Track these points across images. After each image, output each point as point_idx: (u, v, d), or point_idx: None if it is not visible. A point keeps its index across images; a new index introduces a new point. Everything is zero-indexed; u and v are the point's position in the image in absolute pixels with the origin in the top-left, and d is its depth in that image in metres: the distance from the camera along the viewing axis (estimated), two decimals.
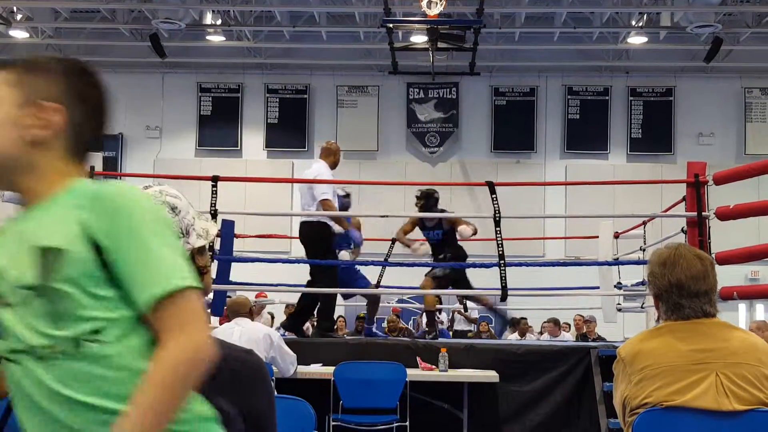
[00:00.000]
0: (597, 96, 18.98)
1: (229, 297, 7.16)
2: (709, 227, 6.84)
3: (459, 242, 8.21)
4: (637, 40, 17.77)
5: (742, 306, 16.84)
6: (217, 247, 7.15)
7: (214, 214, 6.82)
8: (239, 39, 18.35)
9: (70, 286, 1.41)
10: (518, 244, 12.07)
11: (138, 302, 1.42)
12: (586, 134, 18.80)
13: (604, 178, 17.27)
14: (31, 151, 1.55)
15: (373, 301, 8.48)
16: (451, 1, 14.95)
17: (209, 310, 7.73)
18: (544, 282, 11.57)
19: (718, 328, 2.68)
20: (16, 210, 1.62)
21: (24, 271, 1.43)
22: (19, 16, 17.38)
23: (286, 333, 7.94)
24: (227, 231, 8.01)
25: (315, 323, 8.04)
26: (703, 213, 6.81)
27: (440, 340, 8.09)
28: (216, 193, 6.97)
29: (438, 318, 13.24)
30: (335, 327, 8.22)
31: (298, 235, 7.80)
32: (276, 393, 3.57)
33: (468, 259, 8.48)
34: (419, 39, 16.47)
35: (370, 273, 9.00)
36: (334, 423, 6.19)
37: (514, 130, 18.83)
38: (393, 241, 9.50)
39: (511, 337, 12.63)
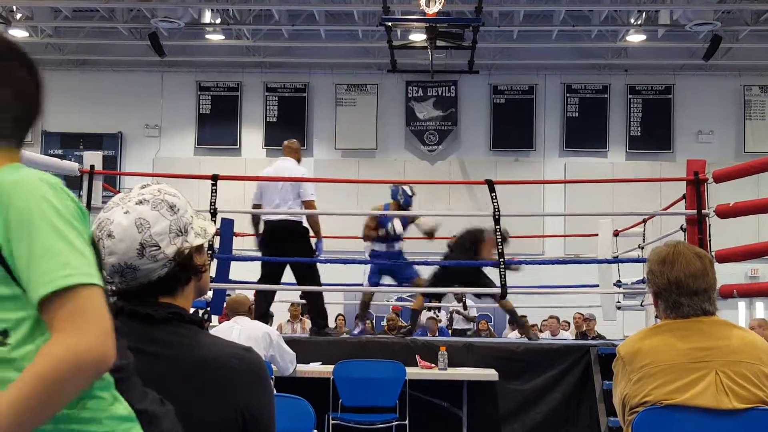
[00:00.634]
0: (596, 94, 18.98)
1: (229, 295, 7.15)
2: (709, 225, 6.84)
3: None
4: (635, 38, 17.77)
5: (742, 304, 16.85)
6: (216, 245, 7.15)
7: (213, 213, 6.81)
8: (238, 38, 18.34)
9: None
10: (518, 242, 12.06)
11: (32, 301, 1.29)
12: (585, 132, 18.80)
13: (604, 176, 17.28)
14: None
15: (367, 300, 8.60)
16: (449, 0, 14.94)
17: (209, 309, 7.73)
18: (544, 280, 11.56)
19: (718, 326, 2.67)
20: None
21: None
22: (18, 15, 17.38)
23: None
24: (226, 230, 8.01)
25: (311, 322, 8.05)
26: (703, 211, 6.81)
27: (439, 338, 8.09)
28: (215, 192, 6.96)
29: (437, 316, 13.26)
30: (334, 325, 8.26)
31: (261, 233, 7.63)
32: (275, 391, 3.57)
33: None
34: (418, 37, 16.47)
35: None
36: (333, 421, 6.19)
37: (513, 128, 18.83)
38: None
39: (511, 335, 12.63)
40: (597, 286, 9.28)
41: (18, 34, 17.92)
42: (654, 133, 18.73)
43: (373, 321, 14.48)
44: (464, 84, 19.00)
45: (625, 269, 9.87)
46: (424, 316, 12.54)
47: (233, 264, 7.80)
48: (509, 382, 6.64)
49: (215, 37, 18.17)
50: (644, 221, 9.38)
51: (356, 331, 8.97)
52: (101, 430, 1.35)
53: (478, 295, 9.47)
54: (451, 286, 8.48)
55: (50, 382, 1.23)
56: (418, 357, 6.64)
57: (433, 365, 6.52)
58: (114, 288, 1.73)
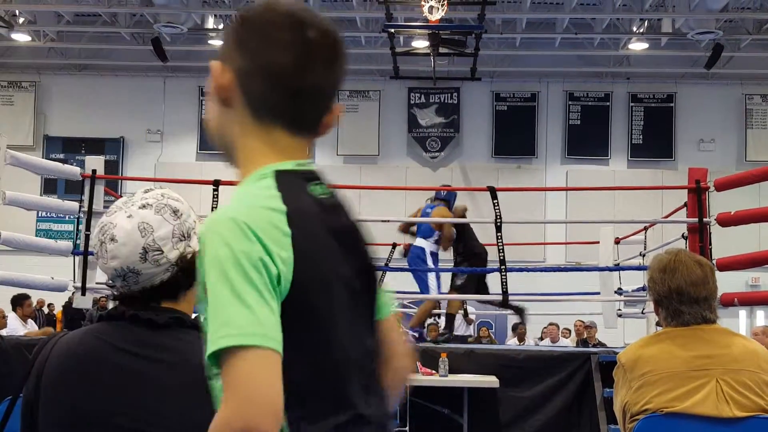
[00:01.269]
0: (598, 102, 19.00)
1: None
2: (710, 233, 6.84)
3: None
4: (638, 46, 17.79)
5: (743, 312, 16.84)
6: None
7: None
8: None
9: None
10: (519, 250, 12.07)
11: None
12: (586, 140, 18.80)
13: (605, 183, 17.28)
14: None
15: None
16: (452, 7, 14.96)
17: None
18: (545, 287, 11.55)
19: (719, 334, 2.67)
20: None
21: None
22: (21, 20, 17.42)
23: None
24: None
25: None
26: (704, 219, 6.81)
27: (441, 345, 8.08)
28: (217, 197, 6.97)
29: (437, 323, 13.20)
30: None
31: None
32: None
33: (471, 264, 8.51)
34: (421, 44, 16.50)
35: None
36: None
37: (515, 136, 18.84)
38: (393, 245, 9.50)
39: (510, 342, 12.63)
40: (598, 293, 9.26)
41: (20, 38, 17.98)
42: (656, 141, 18.74)
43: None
44: (466, 91, 19.02)
45: (626, 277, 9.87)
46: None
47: None
48: (510, 389, 6.63)
49: (218, 43, 18.18)
50: (645, 229, 9.38)
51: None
52: None
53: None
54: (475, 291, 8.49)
55: None
56: (418, 363, 6.64)
57: (434, 372, 6.51)
58: (116, 292, 1.73)
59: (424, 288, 8.31)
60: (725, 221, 6.70)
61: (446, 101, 19.08)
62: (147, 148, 19.28)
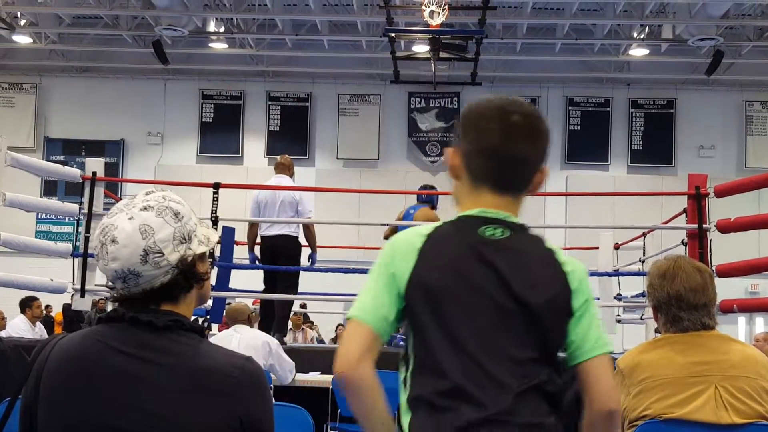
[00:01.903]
0: (598, 107, 19.01)
1: (229, 304, 7.16)
2: (710, 240, 6.84)
3: None
4: (638, 52, 17.81)
5: (742, 319, 16.83)
6: (217, 253, 7.16)
7: (214, 221, 6.82)
8: (242, 46, 18.39)
9: None
10: None
11: None
12: (586, 145, 18.82)
13: (605, 189, 17.28)
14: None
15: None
16: (453, 12, 14.98)
17: (209, 317, 7.73)
18: None
19: (718, 340, 2.67)
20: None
21: None
22: (23, 22, 17.43)
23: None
24: (227, 238, 8.01)
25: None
26: (704, 225, 6.81)
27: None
28: (217, 200, 6.98)
29: None
30: (334, 335, 8.33)
31: (260, 245, 7.82)
32: (274, 401, 3.56)
33: None
34: (421, 48, 16.51)
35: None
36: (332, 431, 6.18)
37: None
38: None
39: None
40: (597, 299, 9.26)
41: (22, 40, 17.99)
42: (655, 147, 18.75)
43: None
44: (467, 95, 19.02)
45: (626, 282, 9.86)
46: None
47: (233, 272, 7.80)
48: None
49: (219, 46, 18.21)
50: (644, 235, 9.37)
51: None
52: None
53: None
54: None
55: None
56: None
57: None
58: (116, 294, 1.73)
59: None
60: (725, 228, 6.70)
61: (446, 106, 19.10)
62: (147, 151, 19.29)
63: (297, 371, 6.05)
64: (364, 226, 14.64)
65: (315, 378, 6.41)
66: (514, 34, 17.56)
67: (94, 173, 6.95)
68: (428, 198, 8.58)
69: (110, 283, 1.72)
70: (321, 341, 13.75)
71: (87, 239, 6.71)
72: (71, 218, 9.24)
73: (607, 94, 19.02)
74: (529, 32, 17.51)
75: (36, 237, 15.18)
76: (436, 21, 14.02)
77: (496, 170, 1.83)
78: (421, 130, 19.10)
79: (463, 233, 1.80)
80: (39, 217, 17.90)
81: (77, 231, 7.12)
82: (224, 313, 6.77)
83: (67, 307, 13.04)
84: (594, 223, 14.72)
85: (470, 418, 1.69)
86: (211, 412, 1.64)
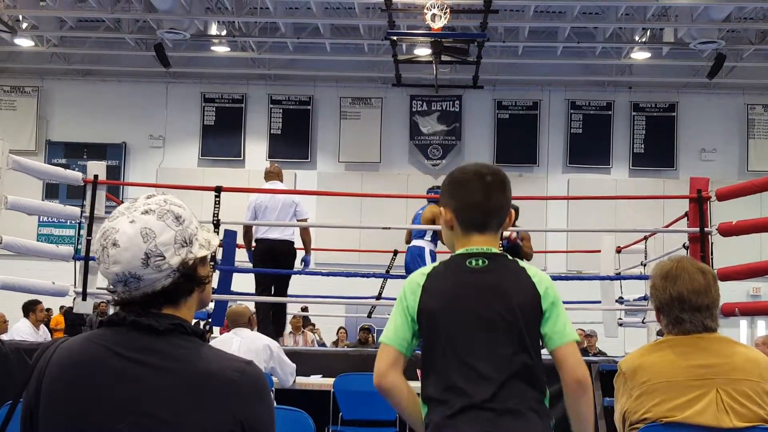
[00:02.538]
0: (600, 110, 19.01)
1: (230, 307, 7.16)
2: (711, 243, 6.84)
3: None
4: (640, 55, 17.81)
5: (743, 322, 16.82)
6: (219, 257, 7.16)
7: (216, 224, 6.82)
8: (243, 50, 18.41)
9: None
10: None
11: None
12: (588, 148, 18.81)
13: (607, 192, 17.27)
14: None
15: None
16: (455, 15, 14.99)
17: (210, 320, 7.73)
18: None
19: (720, 343, 2.66)
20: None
21: None
22: (24, 25, 17.45)
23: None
24: (229, 241, 8.01)
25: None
26: (706, 229, 6.81)
27: None
28: (219, 203, 6.97)
29: None
30: (335, 338, 8.47)
31: (253, 249, 8.01)
32: (275, 404, 3.56)
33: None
34: (423, 52, 16.52)
35: (372, 285, 8.99)
36: None
37: (516, 144, 18.86)
38: (395, 252, 9.50)
39: None
40: (599, 302, 9.26)
41: (24, 43, 18.01)
42: (657, 150, 18.74)
43: (375, 334, 14.45)
44: (468, 99, 19.04)
45: (628, 286, 9.86)
46: None
47: (235, 276, 7.80)
48: None
49: (221, 49, 18.23)
50: (646, 238, 9.37)
51: None
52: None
53: None
54: None
55: None
56: (419, 371, 6.62)
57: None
58: (117, 297, 1.73)
59: None
60: (726, 231, 6.70)
61: (448, 109, 19.10)
62: (149, 154, 19.30)
63: (298, 374, 6.05)
64: (365, 229, 14.65)
65: (316, 381, 6.41)
66: (516, 38, 17.56)
67: (96, 176, 6.95)
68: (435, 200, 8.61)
69: (111, 287, 1.72)
70: (322, 344, 13.75)
71: (89, 242, 6.72)
72: (73, 221, 9.25)
73: (608, 98, 19.02)
74: (530, 36, 17.51)
75: (38, 240, 15.19)
76: (438, 24, 14.04)
77: (481, 218, 2.44)
78: (423, 133, 19.10)
79: (453, 268, 2.43)
80: (41, 220, 17.92)
81: (79, 234, 7.12)
82: (225, 316, 6.76)
83: (68, 311, 13.04)
84: (596, 227, 14.74)
85: (459, 407, 2.28)
86: (212, 416, 1.64)
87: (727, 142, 18.79)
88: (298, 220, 7.91)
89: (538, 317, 2.37)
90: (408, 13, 15.86)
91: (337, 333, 14.45)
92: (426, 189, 13.78)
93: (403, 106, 19.13)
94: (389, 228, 8.23)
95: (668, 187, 17.49)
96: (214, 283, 7.80)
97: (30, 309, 10.09)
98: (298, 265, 8.31)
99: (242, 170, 18.86)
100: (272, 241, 7.84)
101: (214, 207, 6.95)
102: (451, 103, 19.08)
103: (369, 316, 11.38)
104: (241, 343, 5.69)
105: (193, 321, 1.81)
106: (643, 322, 9.51)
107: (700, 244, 6.77)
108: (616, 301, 9.35)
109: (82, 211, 6.95)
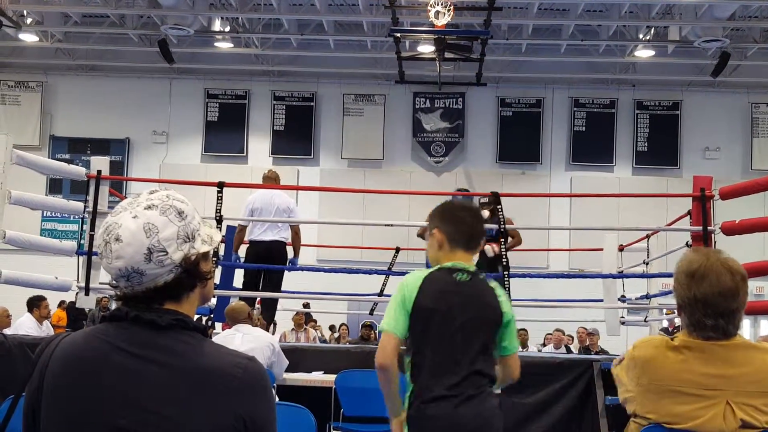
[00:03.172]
0: (603, 108, 18.99)
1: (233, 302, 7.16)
2: (715, 242, 6.83)
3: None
4: (644, 53, 17.79)
5: (746, 322, 16.81)
6: (221, 252, 7.17)
7: (219, 220, 6.83)
8: (247, 46, 18.41)
9: None
10: (522, 256, 12.06)
11: None
12: (591, 146, 18.80)
13: (610, 190, 17.26)
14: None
15: None
16: (458, 12, 14.97)
17: (212, 316, 7.74)
18: (548, 294, 11.56)
19: (739, 350, 2.53)
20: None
21: None
22: (29, 20, 17.46)
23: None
24: (232, 237, 8.03)
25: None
26: (709, 227, 6.80)
27: None
28: (221, 199, 6.98)
29: None
30: (337, 334, 8.63)
31: (247, 249, 8.17)
32: (277, 400, 3.56)
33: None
34: (426, 49, 16.51)
35: (374, 281, 9.00)
36: (334, 431, 6.19)
37: (519, 141, 18.85)
38: (397, 249, 9.50)
39: None
40: (601, 300, 9.26)
41: (28, 38, 18.03)
42: (661, 148, 18.72)
43: (376, 331, 14.46)
44: (472, 96, 19.03)
45: (630, 284, 9.85)
46: None
47: (237, 271, 7.82)
48: (512, 396, 6.61)
49: (224, 45, 18.23)
50: (648, 236, 9.36)
51: None
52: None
53: None
54: None
55: None
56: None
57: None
58: (119, 293, 1.73)
59: None
60: (730, 230, 6.69)
61: (451, 106, 19.09)
62: (152, 150, 19.32)
63: (300, 370, 6.08)
64: (367, 226, 14.66)
65: (318, 377, 6.42)
66: (520, 35, 17.55)
67: (99, 171, 6.96)
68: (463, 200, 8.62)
69: (114, 282, 1.72)
70: (324, 341, 13.75)
71: (92, 237, 6.72)
72: (76, 216, 9.25)
73: (612, 96, 19.00)
74: (534, 33, 17.49)
75: (41, 235, 15.20)
76: (442, 21, 14.03)
77: (467, 241, 3.19)
78: (426, 131, 19.10)
79: (445, 276, 3.11)
80: (44, 215, 17.94)
81: (82, 229, 7.13)
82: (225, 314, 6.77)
83: (71, 306, 13.04)
84: (599, 225, 14.73)
85: (436, 394, 3.01)
86: (213, 412, 1.64)
87: (730, 141, 18.76)
88: (290, 226, 8.10)
89: (497, 328, 3.13)
90: (411, 10, 15.85)
91: (339, 329, 14.48)
92: (429, 186, 13.86)
93: (406, 103, 19.12)
94: (392, 225, 8.23)
95: (671, 185, 17.47)
96: (217, 279, 7.82)
97: (34, 305, 10.10)
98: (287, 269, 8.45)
99: (245, 166, 18.87)
100: (267, 242, 8.00)
101: (217, 203, 6.95)
102: (454, 100, 19.08)
103: (371, 313, 11.40)
104: (244, 339, 5.70)
105: (195, 317, 1.81)
106: (645, 321, 9.51)
107: (702, 243, 6.76)
108: (618, 299, 9.35)
109: (85, 207, 6.96)
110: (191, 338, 1.70)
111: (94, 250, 6.63)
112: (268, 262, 7.96)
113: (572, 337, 13.60)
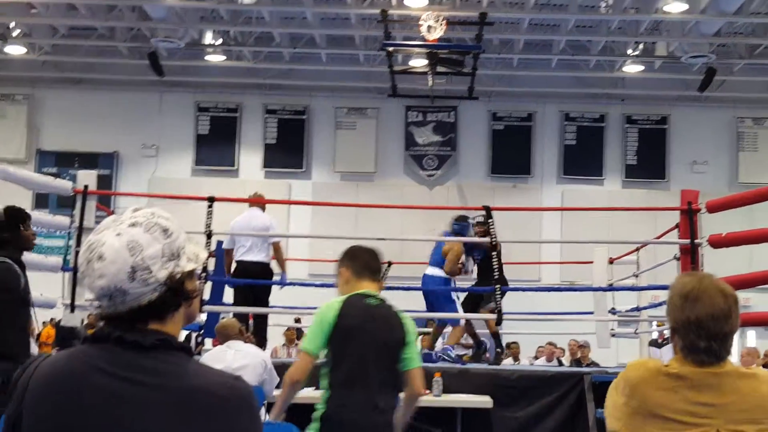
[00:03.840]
0: (593, 122, 19.06)
1: (224, 318, 7.14)
2: (702, 255, 6.86)
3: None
4: (632, 68, 17.91)
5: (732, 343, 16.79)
6: (210, 268, 7.14)
7: (209, 235, 6.81)
8: (239, 59, 18.42)
9: None
10: (514, 269, 12.05)
11: None
12: (582, 160, 18.86)
13: (600, 203, 17.31)
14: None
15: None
16: (450, 27, 15.03)
17: (203, 332, 7.71)
18: (539, 306, 11.54)
19: (730, 378, 2.53)
20: None
21: None
22: (16, 32, 17.42)
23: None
24: (222, 253, 8.01)
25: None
26: (696, 240, 6.83)
27: (434, 364, 8.06)
28: (212, 214, 6.96)
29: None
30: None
31: (232, 270, 8.30)
32: (267, 418, 3.55)
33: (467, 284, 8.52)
34: (419, 63, 16.55)
35: None
36: None
37: (511, 155, 18.89)
38: (389, 263, 9.49)
39: (506, 362, 12.59)
40: (591, 313, 9.27)
41: (15, 51, 17.97)
42: (649, 162, 18.81)
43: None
44: (464, 110, 19.07)
45: (620, 297, 9.87)
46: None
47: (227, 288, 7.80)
48: (503, 409, 6.61)
49: (215, 58, 18.24)
50: (638, 249, 9.39)
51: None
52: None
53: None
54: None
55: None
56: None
57: (428, 391, 6.49)
58: (102, 312, 1.71)
59: (451, 311, 8.32)
60: (717, 243, 6.73)
61: (443, 120, 19.13)
62: (141, 163, 19.26)
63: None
64: (360, 240, 14.65)
65: (306, 394, 6.37)
66: (511, 50, 17.62)
67: (86, 186, 6.92)
68: (459, 230, 8.63)
69: (96, 301, 1.70)
70: None
71: (77, 253, 6.67)
72: (62, 231, 9.20)
73: (602, 110, 19.08)
74: (525, 48, 17.57)
75: None
76: (434, 35, 14.09)
77: (371, 271, 3.85)
78: (418, 144, 19.13)
79: (358, 301, 3.71)
80: None
81: (68, 245, 7.09)
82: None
83: (58, 324, 12.92)
84: (589, 238, 14.75)
85: (347, 402, 3.58)
86: (196, 431, 1.63)
87: (717, 155, 18.86)
88: (271, 243, 8.21)
89: (402, 348, 3.71)
90: (404, 25, 15.91)
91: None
92: (421, 200, 13.86)
93: (398, 117, 19.15)
94: (384, 239, 8.22)
95: (660, 198, 17.52)
96: (207, 295, 7.79)
97: None
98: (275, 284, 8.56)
99: (236, 180, 18.84)
100: (247, 263, 8.13)
101: (207, 217, 6.93)
102: (446, 114, 19.12)
103: None
104: (236, 355, 5.67)
105: (186, 332, 1.80)
106: (635, 333, 9.53)
107: (690, 256, 6.79)
108: (609, 312, 9.36)
109: (71, 222, 6.92)
110: (176, 358, 1.68)
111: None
112: (248, 286, 8.12)
113: (564, 350, 13.60)
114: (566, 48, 17.39)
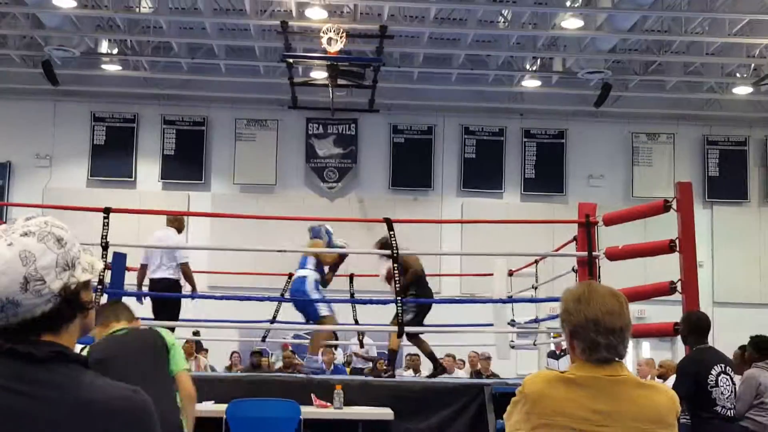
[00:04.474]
0: (492, 136, 19.40)
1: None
2: (599, 267, 7.04)
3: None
4: (531, 83, 18.31)
5: (629, 344, 17.30)
6: (107, 280, 6.94)
7: (105, 246, 6.62)
8: (136, 69, 18.04)
9: None
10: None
11: None
12: (481, 173, 19.16)
13: (499, 216, 17.60)
14: None
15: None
16: (351, 39, 15.07)
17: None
18: (440, 319, 11.64)
19: (627, 386, 2.60)
20: None
21: None
22: None
23: None
24: (119, 264, 7.82)
25: None
26: (593, 253, 7.01)
27: (336, 376, 8.04)
28: (108, 225, 6.78)
29: (334, 353, 13.15)
30: (229, 362, 8.86)
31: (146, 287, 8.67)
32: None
33: (365, 296, 8.49)
34: (319, 75, 16.54)
35: (267, 308, 8.87)
36: None
37: (411, 167, 19.05)
38: (290, 276, 9.42)
39: (406, 374, 12.64)
40: (491, 325, 9.40)
41: None
42: (547, 175, 19.24)
43: (268, 357, 14.28)
44: (364, 122, 19.15)
45: (519, 309, 10.04)
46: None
47: (128, 300, 7.59)
48: (405, 421, 6.62)
49: (112, 68, 17.81)
50: (537, 262, 9.58)
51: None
52: None
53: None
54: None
55: None
56: (313, 396, 6.58)
57: (328, 404, 6.46)
58: None
59: (313, 315, 8.33)
60: (613, 255, 6.92)
61: (344, 132, 19.16)
62: (35, 174, 18.64)
63: None
64: (260, 252, 14.48)
65: (209, 408, 6.27)
66: (411, 63, 17.80)
67: None
68: (315, 234, 8.80)
69: None
70: (213, 369, 13.47)
71: None
72: None
73: (501, 124, 19.43)
74: (425, 62, 17.77)
75: None
76: (334, 48, 14.09)
77: (114, 317, 4.51)
78: (319, 156, 19.10)
79: (107, 339, 4.39)
80: None
81: None
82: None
83: None
84: (489, 250, 14.99)
85: None
86: None
87: (613, 169, 19.44)
88: (179, 263, 8.52)
89: (166, 353, 4.38)
90: (304, 36, 15.88)
91: (231, 357, 14.22)
92: (322, 212, 13.84)
93: (299, 129, 19.08)
94: (284, 251, 8.17)
95: (558, 211, 17.95)
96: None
97: None
98: (184, 301, 8.79)
99: (133, 191, 18.43)
100: (156, 280, 8.51)
101: (103, 229, 6.75)
102: (347, 126, 19.15)
103: (263, 340, 11.23)
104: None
105: (77, 348, 1.73)
106: (534, 345, 9.71)
107: (588, 268, 6.96)
108: (508, 323, 9.52)
109: None
110: (71, 371, 1.62)
111: None
112: (159, 301, 8.37)
113: (463, 362, 13.74)
114: (466, 62, 17.66)
